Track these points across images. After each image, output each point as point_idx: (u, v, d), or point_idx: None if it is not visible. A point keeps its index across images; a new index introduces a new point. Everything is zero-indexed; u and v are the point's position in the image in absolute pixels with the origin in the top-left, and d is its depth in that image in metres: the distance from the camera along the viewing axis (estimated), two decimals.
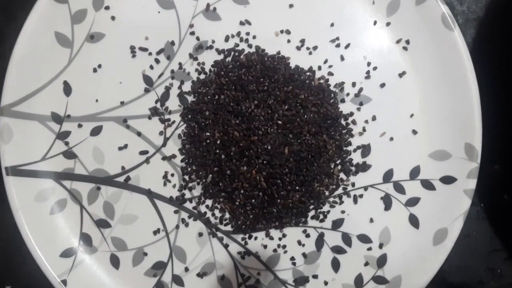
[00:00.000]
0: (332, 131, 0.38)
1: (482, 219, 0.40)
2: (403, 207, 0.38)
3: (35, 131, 0.38)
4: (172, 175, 0.38)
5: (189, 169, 0.38)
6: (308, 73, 0.38)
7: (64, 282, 0.37)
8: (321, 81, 0.38)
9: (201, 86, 0.38)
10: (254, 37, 0.38)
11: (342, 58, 0.38)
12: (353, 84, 0.38)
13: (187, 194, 0.38)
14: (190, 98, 0.38)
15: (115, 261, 0.38)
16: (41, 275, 0.37)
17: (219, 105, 0.37)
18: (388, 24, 0.38)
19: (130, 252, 0.38)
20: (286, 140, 0.37)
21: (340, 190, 0.38)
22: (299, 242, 0.38)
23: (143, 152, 0.38)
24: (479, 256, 0.40)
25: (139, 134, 0.38)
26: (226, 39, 0.38)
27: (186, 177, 0.38)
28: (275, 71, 0.37)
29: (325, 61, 0.38)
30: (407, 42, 0.38)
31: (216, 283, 0.38)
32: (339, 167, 0.38)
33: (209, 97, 0.38)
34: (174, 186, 0.38)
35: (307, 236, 0.38)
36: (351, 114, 0.38)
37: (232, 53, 0.38)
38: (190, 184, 0.38)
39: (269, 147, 0.36)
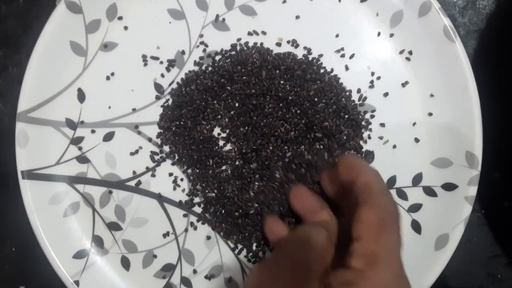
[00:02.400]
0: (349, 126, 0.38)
1: (482, 225, 0.40)
2: (405, 213, 0.39)
3: (50, 136, 0.39)
4: (182, 180, 0.39)
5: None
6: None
7: (77, 282, 0.38)
8: (332, 79, 0.39)
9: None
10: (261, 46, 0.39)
11: (346, 68, 0.39)
12: (357, 93, 0.39)
13: (196, 199, 0.39)
14: None
15: (125, 263, 0.39)
16: (54, 276, 0.38)
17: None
18: (391, 35, 0.39)
19: (140, 254, 0.39)
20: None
21: None
22: None
23: (153, 157, 0.39)
24: (480, 262, 0.40)
25: (149, 140, 0.39)
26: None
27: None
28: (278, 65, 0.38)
29: (331, 71, 0.39)
30: (410, 52, 0.39)
31: (223, 285, 0.39)
32: None
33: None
34: (183, 190, 0.39)
35: None
36: None
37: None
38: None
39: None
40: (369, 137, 0.39)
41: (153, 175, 0.39)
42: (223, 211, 0.38)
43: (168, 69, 0.39)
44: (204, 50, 0.39)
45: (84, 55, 0.39)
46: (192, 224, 0.39)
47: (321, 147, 0.37)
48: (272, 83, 0.38)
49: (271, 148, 0.37)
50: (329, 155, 0.36)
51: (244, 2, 0.39)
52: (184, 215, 0.39)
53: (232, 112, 0.38)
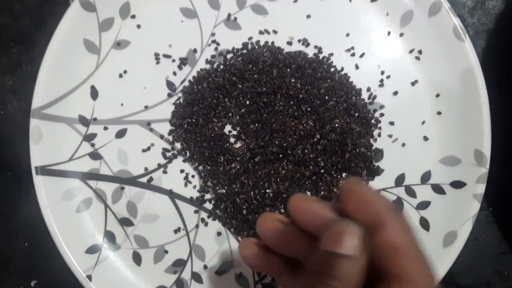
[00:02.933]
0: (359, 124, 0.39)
1: (490, 223, 0.41)
2: (414, 210, 0.39)
3: (63, 133, 0.40)
4: (193, 176, 0.40)
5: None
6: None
7: (89, 277, 0.38)
8: (343, 78, 0.39)
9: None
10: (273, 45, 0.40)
11: (356, 67, 0.40)
12: (367, 91, 0.40)
13: (207, 195, 0.40)
14: None
15: (137, 258, 0.40)
16: (66, 271, 0.39)
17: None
18: (401, 34, 0.40)
19: (151, 249, 0.40)
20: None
21: None
22: None
23: (165, 154, 0.40)
24: (487, 259, 0.41)
25: (161, 137, 0.40)
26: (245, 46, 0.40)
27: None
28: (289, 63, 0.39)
29: (341, 69, 0.40)
30: (420, 52, 0.39)
31: (233, 281, 0.39)
32: (365, 171, 0.39)
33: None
34: (194, 187, 0.40)
35: None
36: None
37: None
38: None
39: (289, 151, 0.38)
40: (379, 135, 0.39)
41: (164, 172, 0.40)
42: (232, 209, 0.39)
43: (180, 67, 0.40)
44: (216, 49, 0.40)
45: (97, 53, 0.40)
46: (203, 220, 0.40)
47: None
48: (283, 81, 0.38)
49: (277, 142, 0.38)
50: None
51: (255, 2, 0.40)
52: (195, 211, 0.40)
53: (243, 110, 0.39)
